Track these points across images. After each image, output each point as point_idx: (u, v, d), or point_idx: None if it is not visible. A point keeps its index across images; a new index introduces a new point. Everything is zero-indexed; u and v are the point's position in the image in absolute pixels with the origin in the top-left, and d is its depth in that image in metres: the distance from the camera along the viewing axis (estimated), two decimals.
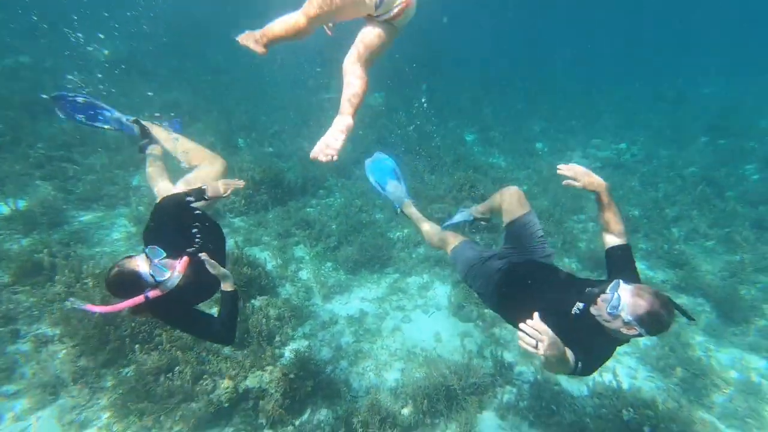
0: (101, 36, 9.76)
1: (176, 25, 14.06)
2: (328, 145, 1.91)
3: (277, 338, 4.09)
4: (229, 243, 5.14)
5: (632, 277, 2.11)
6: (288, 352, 4.01)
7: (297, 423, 3.39)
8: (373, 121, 9.71)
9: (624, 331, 1.92)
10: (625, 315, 1.87)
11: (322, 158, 1.89)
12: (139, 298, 1.91)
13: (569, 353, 1.91)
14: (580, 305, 2.06)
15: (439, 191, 6.84)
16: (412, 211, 3.36)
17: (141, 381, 3.30)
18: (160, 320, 2.31)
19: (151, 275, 1.94)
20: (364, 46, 2.12)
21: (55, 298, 3.91)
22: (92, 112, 3.24)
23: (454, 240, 2.94)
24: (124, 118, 3.24)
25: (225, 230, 5.55)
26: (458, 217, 3.31)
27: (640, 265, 5.68)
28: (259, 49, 2.12)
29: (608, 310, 1.92)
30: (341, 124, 1.97)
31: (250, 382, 3.49)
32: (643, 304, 1.85)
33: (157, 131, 3.18)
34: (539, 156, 9.60)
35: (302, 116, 9.46)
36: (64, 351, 3.46)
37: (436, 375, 3.76)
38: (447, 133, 9.88)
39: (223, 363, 3.55)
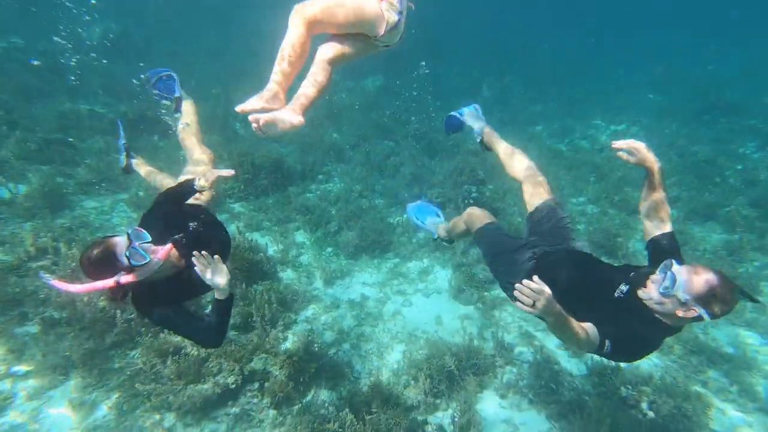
0: (87, 18, 9.55)
1: (170, 6, 13.76)
2: (267, 122, 1.81)
3: (280, 322, 4.15)
4: (231, 229, 5.16)
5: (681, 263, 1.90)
6: (291, 335, 4.08)
7: (302, 404, 3.47)
8: (372, 105, 9.61)
9: (680, 313, 1.77)
10: (682, 294, 1.72)
11: (253, 124, 1.81)
12: (110, 282, 1.75)
13: (591, 329, 1.82)
14: (624, 287, 1.94)
15: (438, 176, 6.83)
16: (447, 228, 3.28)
17: (148, 363, 3.36)
18: (141, 315, 2.05)
19: (127, 257, 1.77)
20: (345, 52, 2.07)
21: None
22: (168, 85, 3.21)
23: (479, 220, 2.74)
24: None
25: (225, 216, 5.61)
26: (428, 227, 3.43)
27: (638, 245, 5.78)
28: (297, 119, 1.86)
29: (661, 290, 1.78)
30: (292, 120, 1.84)
31: (255, 364, 3.55)
32: (702, 282, 1.69)
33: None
34: (538, 139, 9.55)
35: None
36: (72, 334, 3.51)
37: (438, 356, 3.83)
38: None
39: (228, 346, 3.61)
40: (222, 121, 7.96)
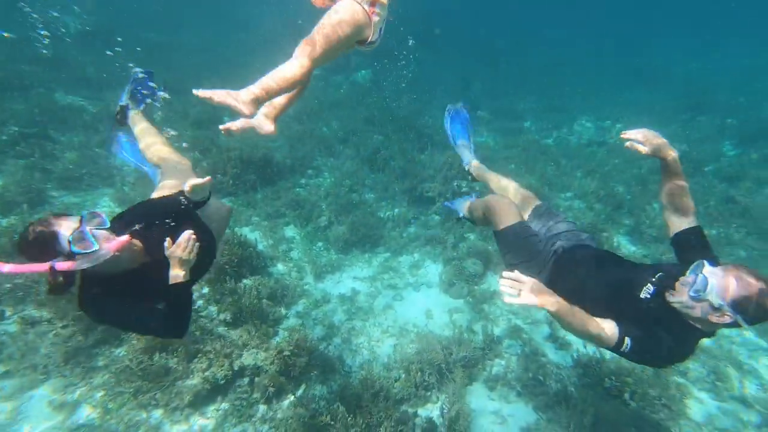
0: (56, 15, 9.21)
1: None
2: (239, 130, 1.83)
3: (271, 317, 4.12)
4: None
5: (713, 262, 1.74)
6: (282, 330, 4.06)
7: (293, 397, 3.46)
8: (361, 99, 9.55)
9: (714, 319, 1.63)
10: (715, 299, 1.58)
11: (224, 131, 1.84)
12: (44, 266, 1.53)
13: (609, 325, 1.74)
14: (650, 288, 1.81)
15: (429, 170, 6.84)
16: (480, 169, 3.16)
17: (135, 360, 3.31)
18: (85, 312, 1.79)
19: (69, 242, 1.56)
20: (332, 47, 1.91)
21: (39, 279, 3.83)
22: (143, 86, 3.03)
23: (502, 215, 2.43)
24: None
25: None
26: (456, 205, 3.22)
27: (622, 240, 5.91)
28: (269, 127, 1.90)
29: (691, 293, 1.64)
30: (264, 129, 1.87)
31: (245, 360, 3.53)
32: (737, 285, 1.55)
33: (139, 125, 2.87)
34: (527, 134, 9.65)
35: None
36: (53, 332, 3.42)
37: (428, 350, 3.86)
38: (436, 110, 9.81)
39: (217, 342, 3.57)
40: (209, 116, 7.80)
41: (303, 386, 3.60)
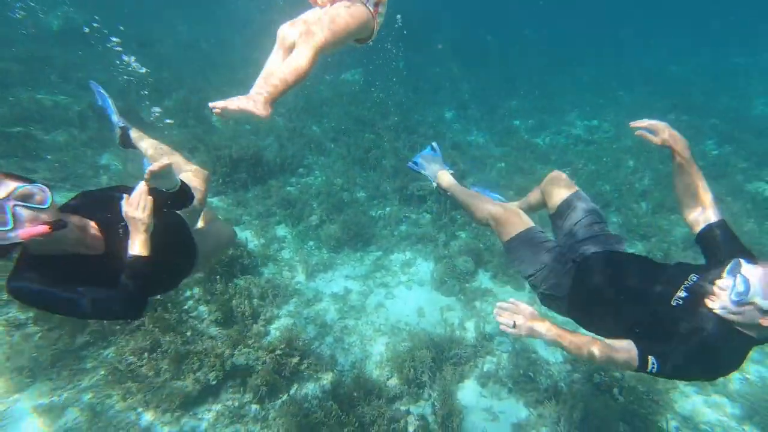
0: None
1: None
2: (233, 112, 1.66)
3: (262, 316, 4.10)
4: None
5: (748, 258, 1.58)
6: (273, 329, 4.04)
7: (285, 396, 3.45)
8: (352, 98, 9.53)
9: (766, 323, 1.46)
10: (761, 300, 1.43)
11: (215, 110, 1.63)
12: None
13: (626, 347, 1.59)
14: (682, 294, 1.64)
15: None
16: (449, 182, 2.73)
17: (124, 361, 3.26)
18: (12, 296, 1.53)
19: None
20: (336, 42, 1.94)
21: None
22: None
23: (514, 225, 2.23)
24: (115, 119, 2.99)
25: None
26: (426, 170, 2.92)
27: None
28: (264, 111, 1.67)
29: (733, 297, 1.47)
30: (259, 113, 1.65)
31: (237, 359, 3.50)
32: None
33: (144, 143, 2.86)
34: (516, 133, 9.74)
35: None
36: (39, 334, 3.35)
37: (420, 347, 3.88)
38: (426, 109, 9.84)
39: (208, 342, 3.54)
40: (197, 113, 7.70)
41: (295, 385, 3.59)
